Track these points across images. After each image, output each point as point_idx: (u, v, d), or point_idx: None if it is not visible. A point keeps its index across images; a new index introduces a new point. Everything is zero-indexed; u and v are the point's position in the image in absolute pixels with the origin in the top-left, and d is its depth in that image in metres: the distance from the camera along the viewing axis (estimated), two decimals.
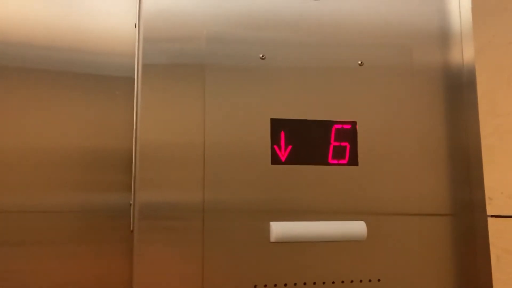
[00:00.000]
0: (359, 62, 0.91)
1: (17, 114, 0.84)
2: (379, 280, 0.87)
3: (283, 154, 0.85)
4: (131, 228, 0.80)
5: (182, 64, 0.83)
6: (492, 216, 0.81)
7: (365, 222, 0.86)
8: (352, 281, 0.85)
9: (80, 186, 0.85)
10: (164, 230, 0.79)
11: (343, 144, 0.88)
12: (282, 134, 0.86)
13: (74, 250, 0.83)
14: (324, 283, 0.84)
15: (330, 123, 0.88)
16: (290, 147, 0.86)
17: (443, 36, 0.98)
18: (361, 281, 0.86)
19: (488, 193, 0.81)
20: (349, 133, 0.89)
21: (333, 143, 0.88)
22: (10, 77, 0.84)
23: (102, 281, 0.84)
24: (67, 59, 0.87)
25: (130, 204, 0.82)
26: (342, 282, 0.85)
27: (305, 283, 0.84)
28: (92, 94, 0.87)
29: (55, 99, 0.86)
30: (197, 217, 0.80)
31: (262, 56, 0.87)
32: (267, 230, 0.83)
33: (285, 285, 0.83)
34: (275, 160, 0.85)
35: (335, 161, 0.87)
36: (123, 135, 0.87)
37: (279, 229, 0.82)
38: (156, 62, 0.82)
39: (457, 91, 0.96)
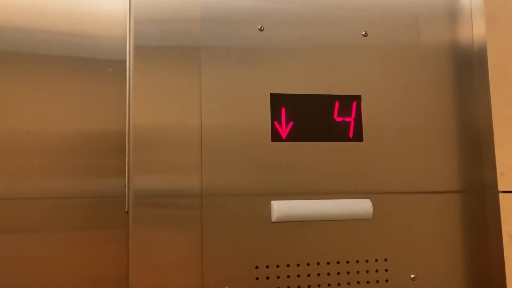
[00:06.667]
0: (363, 33, 0.87)
1: (7, 98, 0.81)
2: (386, 260, 0.84)
3: (284, 131, 0.82)
4: (126, 210, 0.78)
5: (175, 30, 0.80)
6: (504, 192, 0.78)
7: (371, 200, 0.83)
8: (357, 261, 0.83)
9: (74, 171, 0.82)
10: (161, 215, 0.76)
11: (347, 119, 0.85)
12: (283, 110, 0.83)
13: (68, 236, 0.81)
14: (328, 263, 0.82)
15: (333, 98, 0.85)
16: (291, 123, 0.83)
17: (452, 8, 0.93)
18: (367, 261, 0.83)
19: (499, 168, 0.78)
20: (353, 108, 0.85)
21: (337, 118, 0.84)
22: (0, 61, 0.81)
23: (98, 267, 0.82)
24: (59, 42, 0.84)
25: (125, 185, 0.79)
26: (347, 262, 0.83)
27: (308, 264, 0.81)
28: (85, 77, 0.84)
29: (46, 83, 0.83)
30: (195, 200, 0.78)
31: (261, 27, 0.83)
32: (268, 210, 0.80)
33: (288, 265, 0.80)
34: (275, 137, 0.82)
35: (339, 138, 0.84)
36: (118, 119, 0.84)
37: (280, 208, 0.80)
38: (149, 29, 0.79)
39: (467, 65, 0.92)
